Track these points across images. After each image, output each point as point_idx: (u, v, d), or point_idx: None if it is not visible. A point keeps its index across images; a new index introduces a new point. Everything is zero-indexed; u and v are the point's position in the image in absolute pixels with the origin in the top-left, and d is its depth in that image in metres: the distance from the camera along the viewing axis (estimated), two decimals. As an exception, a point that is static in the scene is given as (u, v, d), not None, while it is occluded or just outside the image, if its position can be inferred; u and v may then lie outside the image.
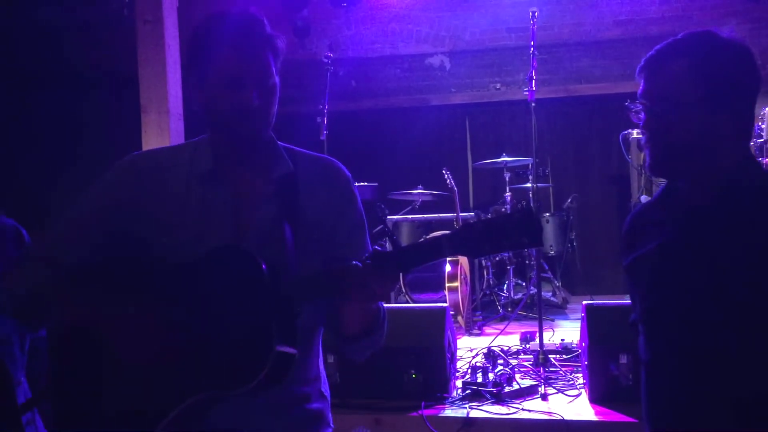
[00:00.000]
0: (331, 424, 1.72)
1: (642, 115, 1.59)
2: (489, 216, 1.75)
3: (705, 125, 1.52)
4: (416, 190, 5.98)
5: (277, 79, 1.57)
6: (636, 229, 1.72)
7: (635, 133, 5.22)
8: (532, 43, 4.04)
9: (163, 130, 4.51)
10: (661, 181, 1.72)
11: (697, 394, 1.52)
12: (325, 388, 1.72)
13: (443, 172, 5.56)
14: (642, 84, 1.60)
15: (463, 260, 5.07)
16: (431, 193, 5.98)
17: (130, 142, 4.99)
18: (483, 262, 5.72)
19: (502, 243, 1.34)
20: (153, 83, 4.48)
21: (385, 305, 1.61)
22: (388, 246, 1.62)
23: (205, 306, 1.47)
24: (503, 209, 5.93)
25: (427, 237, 5.62)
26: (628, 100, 1.63)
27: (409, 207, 6.10)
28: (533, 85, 3.97)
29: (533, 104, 3.98)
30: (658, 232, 1.62)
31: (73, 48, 7.31)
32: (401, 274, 3.54)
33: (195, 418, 1.48)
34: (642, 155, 5.19)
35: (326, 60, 5.18)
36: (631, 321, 1.74)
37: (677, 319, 1.56)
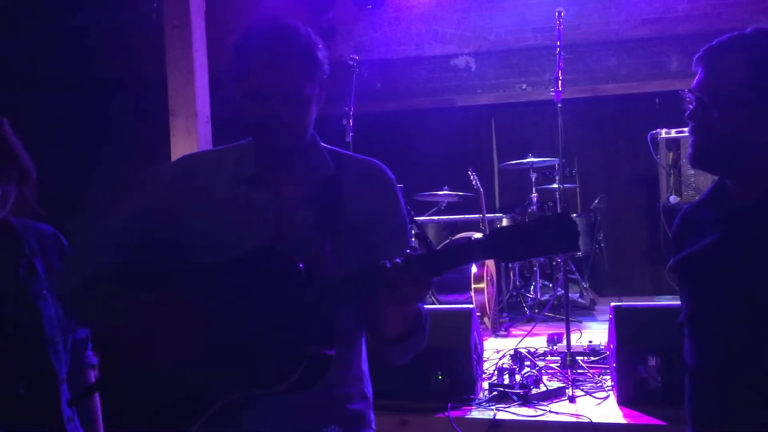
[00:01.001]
0: (373, 426, 1.70)
1: (691, 106, 1.56)
2: (524, 219, 1.73)
3: (755, 123, 1.49)
4: (442, 191, 5.98)
5: (309, 89, 1.54)
6: (685, 228, 1.70)
7: (663, 133, 5.16)
8: (558, 43, 4.01)
9: (190, 133, 4.56)
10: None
11: (742, 399, 1.50)
12: (368, 389, 1.70)
13: (469, 173, 5.55)
14: (699, 74, 1.56)
15: (490, 261, 5.06)
16: (457, 195, 5.97)
17: (158, 145, 5.07)
18: (509, 264, 5.69)
19: (536, 248, 1.30)
20: (181, 87, 4.53)
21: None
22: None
23: (243, 306, 1.48)
24: (530, 210, 5.90)
25: (454, 238, 5.61)
26: (685, 90, 1.59)
27: (435, 208, 6.09)
28: (560, 86, 3.95)
29: (559, 105, 3.96)
30: (706, 231, 1.60)
31: (103, 52, 7.42)
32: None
33: (232, 417, 1.49)
34: (671, 155, 5.14)
35: (351, 62, 5.21)
36: (679, 322, 1.71)
37: (723, 320, 1.53)
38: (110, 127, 7.48)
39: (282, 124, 1.53)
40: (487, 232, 1.33)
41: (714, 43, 1.56)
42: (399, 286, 1.35)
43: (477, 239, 1.35)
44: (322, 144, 1.68)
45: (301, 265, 1.44)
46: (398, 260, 1.36)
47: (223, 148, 1.70)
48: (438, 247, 1.40)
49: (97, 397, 1.93)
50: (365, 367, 1.71)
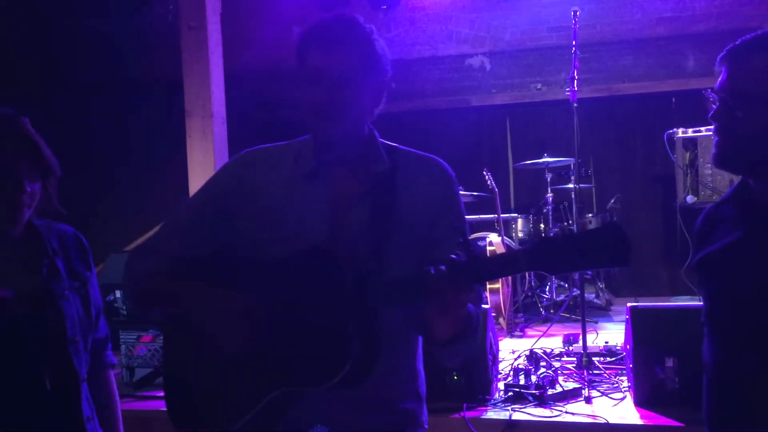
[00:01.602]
0: (425, 425, 1.68)
1: (714, 106, 1.55)
2: (571, 229, 1.70)
3: None
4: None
5: (364, 77, 1.55)
6: (707, 227, 1.69)
7: (680, 132, 5.12)
8: (573, 42, 4.00)
9: (206, 133, 4.60)
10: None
11: (762, 400, 1.49)
12: (422, 389, 1.69)
13: (484, 173, 5.54)
14: (722, 73, 1.55)
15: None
16: (472, 195, 5.96)
17: (175, 146, 5.11)
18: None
19: (584, 261, 1.24)
20: (197, 88, 4.57)
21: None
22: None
23: (293, 303, 1.49)
24: (545, 210, 5.88)
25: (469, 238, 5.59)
26: (708, 90, 1.57)
27: (450, 208, 6.08)
28: (575, 85, 3.93)
29: (575, 104, 3.94)
30: (729, 229, 1.59)
31: (120, 55, 7.48)
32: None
33: (280, 412, 1.51)
34: (687, 155, 5.10)
35: (366, 62, 5.20)
36: (702, 321, 1.70)
37: (743, 318, 1.52)
38: (127, 129, 7.55)
39: (335, 108, 1.53)
40: (534, 242, 1.30)
41: (738, 42, 1.54)
42: (441, 294, 1.32)
43: (523, 250, 1.30)
44: (380, 140, 1.67)
45: (349, 266, 1.44)
46: (442, 267, 1.33)
47: (284, 144, 1.70)
48: (482, 255, 1.35)
49: (117, 398, 1.96)
50: (419, 366, 1.69)
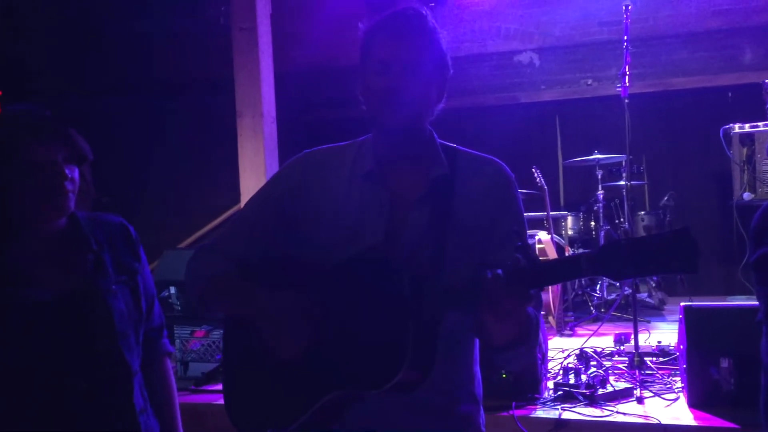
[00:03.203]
0: (482, 428, 1.66)
1: None
2: (634, 235, 1.65)
3: None
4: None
5: (429, 69, 1.55)
6: (765, 224, 1.65)
7: (737, 128, 4.99)
8: (625, 37, 3.93)
9: (257, 133, 4.67)
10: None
11: None
12: (479, 391, 1.66)
13: (533, 170, 5.49)
14: None
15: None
16: (520, 192, 5.90)
17: (226, 145, 5.20)
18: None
19: (649, 266, 1.21)
20: (248, 88, 4.64)
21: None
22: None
23: (350, 306, 1.49)
24: (596, 207, 5.80)
25: (528, 243, 5.54)
26: (766, 83, 1.53)
27: (498, 206, 6.04)
28: (627, 81, 3.87)
29: (627, 100, 3.88)
30: None
31: (173, 57, 7.65)
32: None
33: (333, 414, 1.51)
34: (745, 150, 4.97)
35: (414, 61, 5.21)
36: (757, 320, 1.66)
37: None
38: (180, 129, 7.70)
39: (402, 94, 1.52)
40: (600, 248, 1.27)
41: None
42: (497, 299, 1.29)
43: (586, 254, 1.26)
44: (439, 141, 1.66)
45: (406, 271, 1.43)
46: (500, 271, 1.30)
47: (344, 144, 1.70)
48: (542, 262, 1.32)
49: (174, 385, 1.96)
50: (476, 369, 1.67)
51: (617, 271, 1.23)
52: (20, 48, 7.38)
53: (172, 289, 4.04)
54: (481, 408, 1.68)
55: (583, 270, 1.26)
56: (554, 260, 1.34)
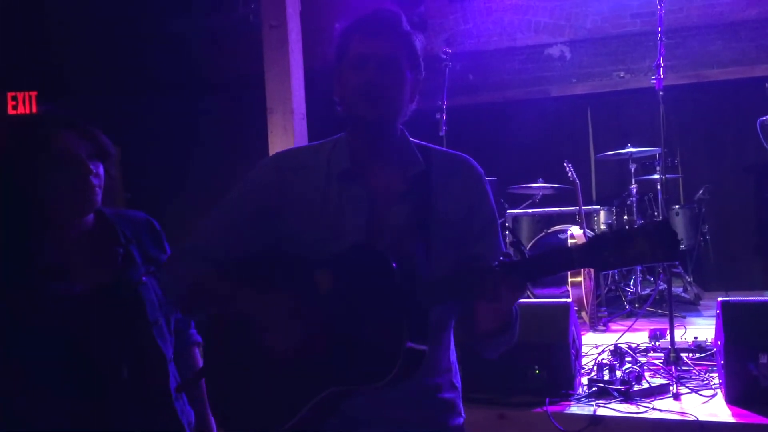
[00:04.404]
0: (463, 414, 1.72)
1: None
2: (619, 226, 1.70)
3: None
4: (536, 183, 5.88)
5: (406, 71, 1.60)
6: None
7: (775, 119, 4.89)
8: (659, 28, 3.87)
9: (287, 130, 4.69)
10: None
11: None
12: (457, 379, 1.72)
13: (564, 164, 5.44)
14: None
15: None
16: (552, 187, 5.86)
17: (256, 142, 5.23)
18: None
19: (633, 257, 1.30)
20: (278, 85, 4.66)
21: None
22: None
23: (341, 304, 1.51)
24: (629, 201, 5.72)
25: (549, 231, 5.51)
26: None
27: (529, 201, 6.01)
28: (661, 73, 3.80)
29: (661, 92, 3.82)
30: None
31: (203, 55, 7.72)
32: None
33: (329, 410, 1.53)
34: (783, 142, 4.86)
35: (444, 55, 5.20)
36: None
37: None
38: (211, 126, 7.77)
39: (378, 91, 1.56)
40: (587, 241, 1.32)
41: None
42: (496, 293, 1.37)
43: (576, 246, 1.35)
44: (411, 139, 1.69)
45: (395, 264, 1.46)
46: (496, 266, 1.38)
47: (317, 144, 1.73)
48: (534, 252, 1.37)
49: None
50: (453, 357, 1.73)
51: (604, 262, 1.32)
52: (56, 49, 7.51)
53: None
54: (460, 395, 1.73)
55: (574, 262, 1.34)
56: (546, 252, 1.39)
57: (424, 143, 1.72)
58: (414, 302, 1.45)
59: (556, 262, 1.37)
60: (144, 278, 1.77)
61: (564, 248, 1.36)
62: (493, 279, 1.37)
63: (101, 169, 1.73)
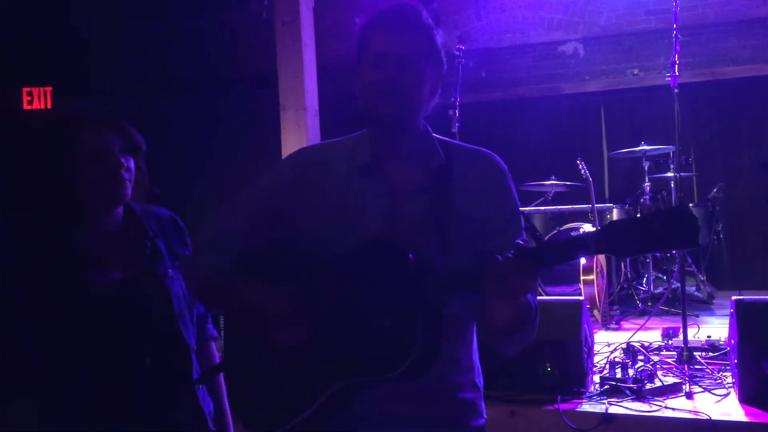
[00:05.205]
0: (484, 415, 1.70)
1: None
2: (637, 212, 1.68)
3: None
4: (549, 181, 5.87)
5: (425, 63, 1.58)
6: None
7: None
8: (674, 25, 3.85)
9: (300, 126, 4.70)
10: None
11: None
12: (479, 379, 1.70)
13: (577, 162, 5.42)
14: None
15: (600, 253, 4.92)
16: (564, 184, 5.84)
17: (270, 139, 5.25)
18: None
19: (651, 243, 1.26)
20: (291, 81, 4.67)
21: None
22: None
23: (355, 296, 1.51)
24: (642, 199, 5.70)
25: (561, 229, 5.49)
26: None
27: (542, 198, 5.99)
28: (676, 70, 3.78)
29: (676, 90, 3.79)
30: None
31: (216, 51, 7.73)
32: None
33: (342, 404, 1.53)
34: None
35: (457, 52, 5.19)
36: None
37: None
38: (223, 123, 7.80)
39: (396, 88, 1.55)
40: (601, 226, 1.30)
41: None
42: (507, 279, 1.34)
43: (590, 233, 1.31)
44: (434, 135, 1.69)
45: (411, 257, 1.46)
46: (510, 253, 1.35)
47: (339, 140, 1.73)
48: (548, 239, 1.36)
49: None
50: (476, 357, 1.70)
51: (622, 247, 1.28)
52: (71, 45, 7.55)
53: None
54: (482, 396, 1.71)
55: (588, 248, 1.31)
56: (562, 240, 1.36)
57: (446, 139, 1.71)
58: (428, 295, 1.44)
59: (570, 248, 1.33)
60: (170, 271, 1.83)
61: (580, 235, 1.33)
62: (504, 265, 1.34)
63: (132, 164, 1.79)
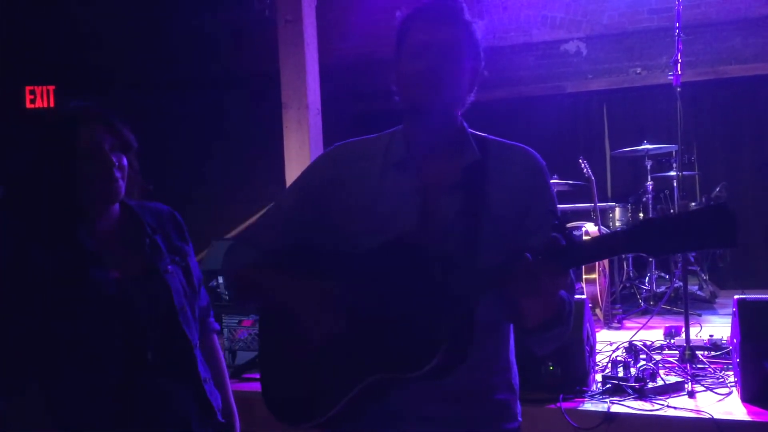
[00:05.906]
0: (519, 417, 1.67)
1: None
2: (672, 211, 1.65)
3: None
4: (551, 179, 5.86)
5: (466, 60, 1.58)
6: None
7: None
8: (677, 24, 3.84)
9: (302, 124, 4.71)
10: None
11: None
12: (516, 380, 1.67)
13: (580, 161, 5.41)
14: None
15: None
16: (567, 183, 5.84)
17: (272, 136, 5.26)
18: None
19: (687, 242, 1.21)
20: (293, 80, 4.68)
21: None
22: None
23: (385, 292, 1.51)
24: (644, 198, 5.70)
25: (568, 227, 5.48)
26: None
27: (544, 197, 5.98)
28: (679, 69, 3.77)
29: (678, 89, 3.79)
30: None
31: (219, 50, 7.75)
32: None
33: (376, 398, 1.53)
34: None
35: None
36: None
37: None
38: (226, 121, 7.81)
39: (437, 78, 1.54)
40: (634, 224, 1.27)
41: None
42: (536, 277, 1.31)
43: (623, 231, 1.27)
44: (470, 130, 1.67)
45: (441, 254, 1.45)
46: (540, 252, 1.32)
47: (375, 136, 1.72)
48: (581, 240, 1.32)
49: (223, 360, 2.08)
50: (512, 357, 1.67)
51: (657, 246, 1.23)
52: (74, 44, 7.56)
53: (221, 279, 4.10)
54: (518, 397, 1.68)
55: (620, 247, 1.28)
56: (591, 238, 1.33)
57: (483, 134, 1.69)
58: (457, 294, 1.43)
59: (602, 247, 1.30)
60: (170, 267, 1.83)
61: (610, 233, 1.29)
62: (534, 265, 1.31)
63: (124, 161, 1.79)
